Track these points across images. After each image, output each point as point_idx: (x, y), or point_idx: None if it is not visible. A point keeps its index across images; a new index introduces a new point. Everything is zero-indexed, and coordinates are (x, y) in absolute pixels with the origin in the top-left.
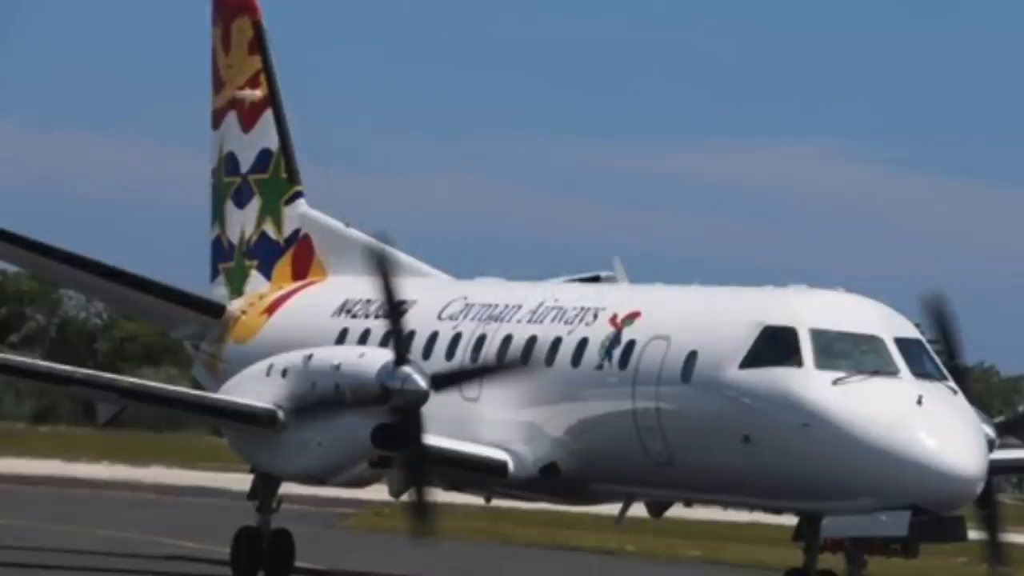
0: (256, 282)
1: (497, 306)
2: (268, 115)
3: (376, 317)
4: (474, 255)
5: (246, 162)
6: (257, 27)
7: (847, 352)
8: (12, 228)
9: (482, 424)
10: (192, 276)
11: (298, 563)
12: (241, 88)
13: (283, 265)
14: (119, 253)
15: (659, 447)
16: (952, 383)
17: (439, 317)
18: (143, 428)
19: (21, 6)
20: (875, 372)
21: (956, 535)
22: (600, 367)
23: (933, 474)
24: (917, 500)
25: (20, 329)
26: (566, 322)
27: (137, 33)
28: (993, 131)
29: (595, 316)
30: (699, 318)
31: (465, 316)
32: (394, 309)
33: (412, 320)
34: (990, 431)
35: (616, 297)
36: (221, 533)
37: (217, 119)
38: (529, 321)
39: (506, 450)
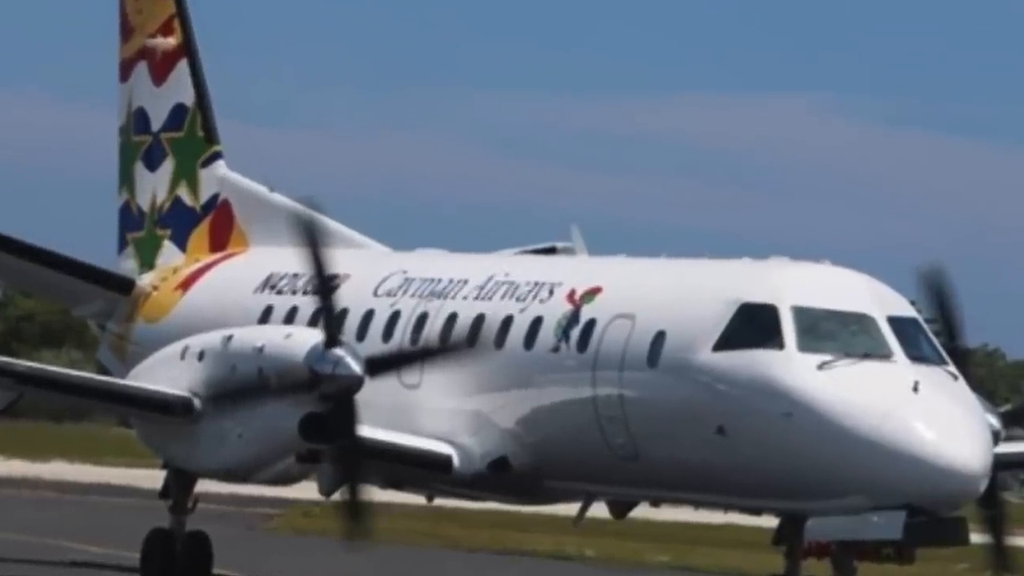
0: (169, 254)
1: (440, 281)
2: (183, 66)
3: (304, 293)
4: (414, 224)
5: (158, 119)
6: None
7: (834, 332)
8: None
9: (423, 414)
10: (97, 247)
11: (216, 569)
12: (152, 36)
13: (199, 235)
14: (15, 221)
15: (622, 439)
16: (952, 367)
17: (375, 293)
18: (42, 418)
19: None
20: (866, 355)
21: (956, 538)
22: (556, 349)
23: (931, 470)
24: (913, 499)
25: None
26: (518, 299)
27: None
28: (1001, 85)
29: (550, 292)
30: (667, 295)
31: (404, 292)
32: (324, 284)
33: (345, 297)
34: (995, 421)
35: (574, 271)
36: (130, 536)
37: (125, 71)
38: (476, 298)
39: (450, 443)
